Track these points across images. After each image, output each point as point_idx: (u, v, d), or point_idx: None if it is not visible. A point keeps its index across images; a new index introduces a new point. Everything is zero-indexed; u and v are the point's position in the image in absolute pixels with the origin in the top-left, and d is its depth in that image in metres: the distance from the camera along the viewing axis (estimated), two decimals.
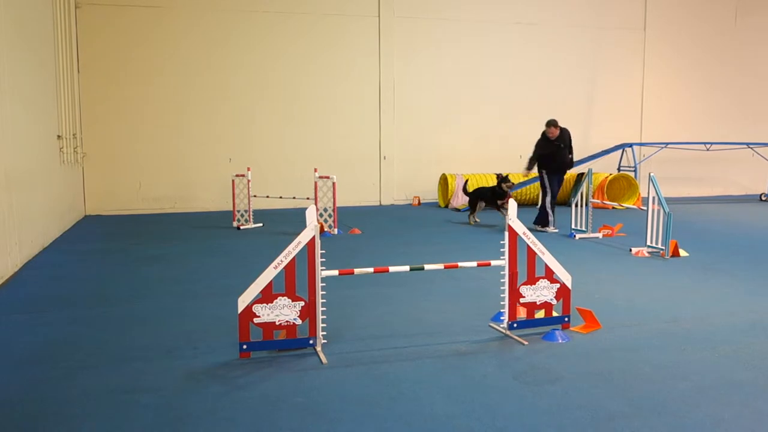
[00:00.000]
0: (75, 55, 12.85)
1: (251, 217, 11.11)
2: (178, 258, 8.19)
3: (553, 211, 10.40)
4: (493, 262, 4.81)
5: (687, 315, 5.33)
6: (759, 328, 4.93)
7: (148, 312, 5.52)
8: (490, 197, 11.22)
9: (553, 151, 10.26)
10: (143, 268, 7.48)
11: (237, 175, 11.22)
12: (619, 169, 15.61)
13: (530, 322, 4.80)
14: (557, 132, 10.21)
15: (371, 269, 4.67)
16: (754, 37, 17.64)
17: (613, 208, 12.66)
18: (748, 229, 10.63)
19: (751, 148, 16.03)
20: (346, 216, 12.41)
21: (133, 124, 13.62)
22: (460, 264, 4.78)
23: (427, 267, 4.71)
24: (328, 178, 10.29)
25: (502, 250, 4.72)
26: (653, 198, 8.16)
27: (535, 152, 10.41)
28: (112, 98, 13.44)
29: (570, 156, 10.47)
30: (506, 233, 4.65)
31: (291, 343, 4.34)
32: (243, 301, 4.18)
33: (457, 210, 13.66)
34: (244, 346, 4.26)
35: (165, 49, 13.64)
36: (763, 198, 16.13)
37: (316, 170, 10.78)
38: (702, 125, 17.30)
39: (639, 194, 14.30)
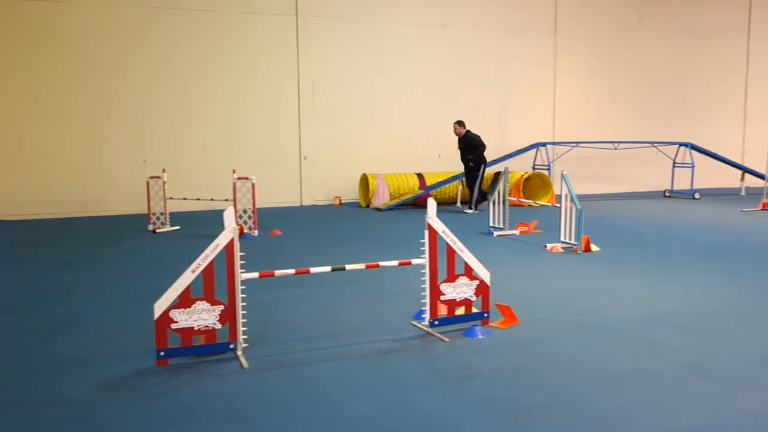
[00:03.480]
0: None
1: (167, 219, 10.81)
2: (91, 264, 7.87)
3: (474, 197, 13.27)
4: (414, 261, 4.86)
5: (597, 307, 5.56)
6: (662, 319, 5.19)
7: (60, 321, 5.28)
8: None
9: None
10: (54, 276, 7.15)
11: (152, 177, 10.87)
12: (533, 168, 16.10)
13: (451, 319, 4.88)
14: (461, 131, 13.20)
15: (292, 270, 4.63)
16: (656, 39, 18.57)
17: (529, 205, 13.04)
18: (653, 225, 11.18)
19: (655, 146, 16.88)
20: (266, 217, 12.26)
21: (39, 125, 12.98)
22: (382, 263, 4.81)
23: (348, 267, 4.71)
24: (247, 179, 10.13)
25: (422, 248, 4.78)
26: (566, 195, 8.46)
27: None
28: (13, 97, 12.76)
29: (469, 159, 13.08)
30: (426, 232, 4.72)
31: (210, 348, 4.25)
32: (160, 307, 4.06)
33: (378, 209, 13.73)
34: (162, 353, 4.14)
35: (73, 45, 13.07)
36: (667, 194, 17.00)
37: (234, 171, 10.59)
38: (610, 125, 18.09)
39: (552, 192, 14.80)
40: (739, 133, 20.01)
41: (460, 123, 13.23)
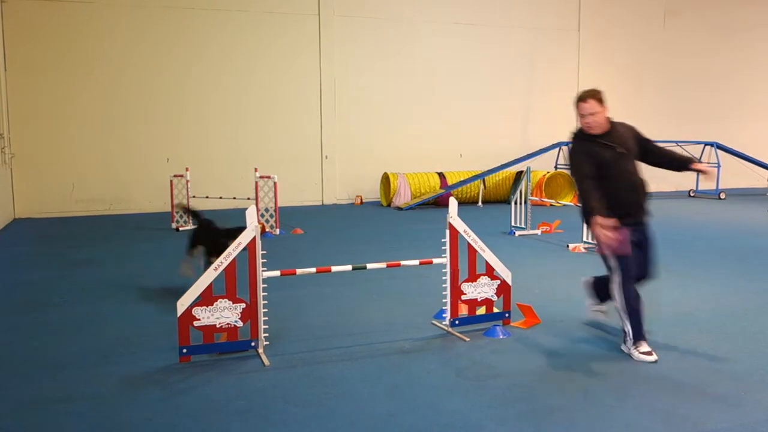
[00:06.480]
0: (1, 51, 12.33)
1: (190, 218, 10.88)
2: (115, 261, 7.96)
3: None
4: (435, 260, 4.85)
5: None
6: (688, 321, 5.12)
7: (83, 317, 5.35)
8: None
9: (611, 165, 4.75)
10: (78, 272, 7.24)
11: (175, 176, 10.97)
12: (556, 167, 15.97)
13: (472, 319, 4.86)
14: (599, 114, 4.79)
15: (314, 269, 4.65)
16: (681, 36, 18.31)
17: (551, 205, 12.94)
18: (678, 225, 11.04)
19: (680, 145, 16.63)
20: (288, 216, 12.30)
21: (65, 124, 13.15)
22: (403, 262, 4.81)
23: (369, 266, 4.72)
24: (269, 177, 10.18)
25: (443, 248, 4.76)
26: None
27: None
28: (42, 96, 12.94)
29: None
30: (447, 231, 4.70)
31: (232, 345, 4.28)
32: (182, 304, 4.10)
33: (400, 209, 13.73)
34: (184, 350, 4.18)
35: (97, 45, 13.21)
36: (692, 194, 16.77)
37: (256, 170, 10.64)
38: (634, 123, 17.76)
39: (575, 191, 14.66)
40: (766, 132, 19.65)
41: (600, 98, 4.92)
